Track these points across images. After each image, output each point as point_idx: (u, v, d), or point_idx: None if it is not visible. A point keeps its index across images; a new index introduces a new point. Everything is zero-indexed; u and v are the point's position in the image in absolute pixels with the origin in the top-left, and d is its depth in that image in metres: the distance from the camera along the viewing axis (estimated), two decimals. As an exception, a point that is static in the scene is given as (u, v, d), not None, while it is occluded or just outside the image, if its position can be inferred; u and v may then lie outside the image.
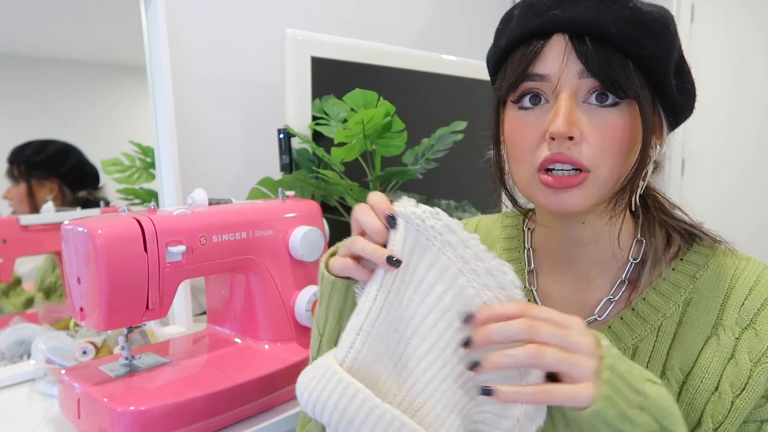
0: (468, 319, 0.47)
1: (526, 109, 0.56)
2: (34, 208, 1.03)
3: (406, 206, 0.49)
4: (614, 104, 0.53)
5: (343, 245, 0.53)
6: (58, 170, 1.06)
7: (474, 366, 0.45)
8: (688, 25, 2.38)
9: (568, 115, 0.51)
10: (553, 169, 0.54)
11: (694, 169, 2.36)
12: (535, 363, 0.44)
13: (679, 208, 0.63)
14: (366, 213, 0.50)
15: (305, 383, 0.48)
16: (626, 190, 0.54)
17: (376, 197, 0.50)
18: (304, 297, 0.85)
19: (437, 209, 0.49)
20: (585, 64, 0.52)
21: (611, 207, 0.56)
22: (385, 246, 0.49)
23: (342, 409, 0.45)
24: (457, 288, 0.48)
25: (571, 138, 0.52)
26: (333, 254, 0.56)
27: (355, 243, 0.50)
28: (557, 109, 0.52)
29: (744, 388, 0.53)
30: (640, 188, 0.58)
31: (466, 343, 0.46)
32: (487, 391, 0.45)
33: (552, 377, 0.46)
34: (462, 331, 0.48)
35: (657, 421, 0.45)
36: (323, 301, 0.56)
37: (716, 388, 0.55)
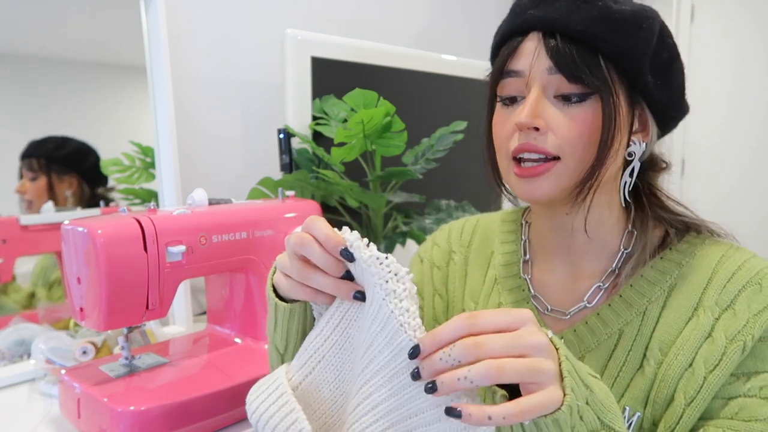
0: (413, 353, 0.42)
1: (508, 104, 0.60)
2: (54, 203, 1.05)
3: (358, 244, 0.45)
4: (582, 99, 0.55)
5: (283, 266, 0.51)
6: (78, 166, 1.08)
7: (432, 389, 0.41)
8: (688, 25, 2.38)
9: (533, 107, 0.55)
10: (523, 159, 0.57)
11: (694, 169, 2.36)
12: (494, 380, 0.39)
13: (683, 206, 0.63)
14: (312, 249, 0.48)
15: (255, 396, 0.50)
16: (588, 181, 0.56)
17: (319, 230, 0.47)
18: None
19: (387, 255, 0.45)
20: (552, 59, 0.55)
21: (573, 196, 0.57)
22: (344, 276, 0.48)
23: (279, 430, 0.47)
24: (396, 343, 0.45)
25: (537, 129, 0.55)
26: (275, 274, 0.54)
27: (313, 279, 0.49)
28: (525, 102, 0.56)
29: (717, 364, 0.53)
30: (628, 185, 0.60)
31: (415, 376, 0.42)
32: (454, 413, 0.40)
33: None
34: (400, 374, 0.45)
35: (598, 417, 0.44)
36: (282, 326, 0.55)
37: (690, 365, 0.55)
